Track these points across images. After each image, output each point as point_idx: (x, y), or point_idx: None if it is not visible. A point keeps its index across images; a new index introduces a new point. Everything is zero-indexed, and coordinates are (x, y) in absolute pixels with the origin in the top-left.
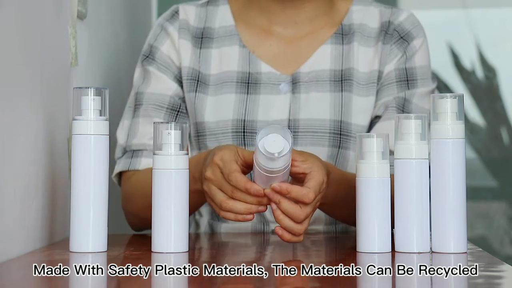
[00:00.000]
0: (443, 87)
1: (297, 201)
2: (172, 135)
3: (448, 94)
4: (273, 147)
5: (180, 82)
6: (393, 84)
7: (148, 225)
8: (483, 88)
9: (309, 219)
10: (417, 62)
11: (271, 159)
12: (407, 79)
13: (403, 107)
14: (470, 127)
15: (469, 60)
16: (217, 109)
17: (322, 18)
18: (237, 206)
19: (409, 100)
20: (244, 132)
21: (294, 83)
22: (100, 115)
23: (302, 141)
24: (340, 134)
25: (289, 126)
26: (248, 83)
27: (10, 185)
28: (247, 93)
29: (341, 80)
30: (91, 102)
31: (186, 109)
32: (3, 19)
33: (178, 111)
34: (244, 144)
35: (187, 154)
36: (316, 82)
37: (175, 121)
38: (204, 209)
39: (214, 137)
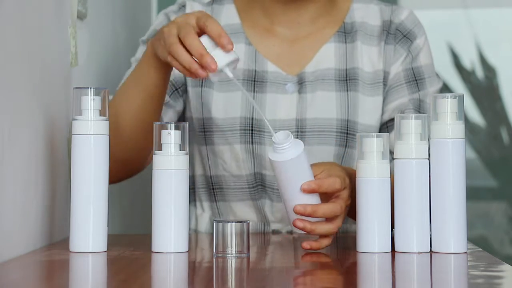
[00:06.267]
0: (443, 87)
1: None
2: (172, 135)
3: (448, 94)
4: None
5: None
6: (403, 85)
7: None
8: (483, 88)
9: (343, 217)
10: (422, 61)
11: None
12: (415, 79)
13: (419, 108)
14: (470, 127)
15: (469, 60)
16: (225, 106)
17: (324, 18)
18: (184, 55)
19: (424, 101)
20: (252, 130)
21: (300, 83)
22: (100, 115)
23: (309, 141)
24: (347, 133)
25: (296, 125)
26: (255, 81)
27: (10, 185)
28: (254, 91)
29: (347, 80)
30: (91, 102)
31: (184, 96)
32: (3, 19)
33: (176, 89)
34: (252, 142)
35: (187, 154)
36: (322, 80)
37: (170, 96)
38: (206, 205)
39: (222, 133)
